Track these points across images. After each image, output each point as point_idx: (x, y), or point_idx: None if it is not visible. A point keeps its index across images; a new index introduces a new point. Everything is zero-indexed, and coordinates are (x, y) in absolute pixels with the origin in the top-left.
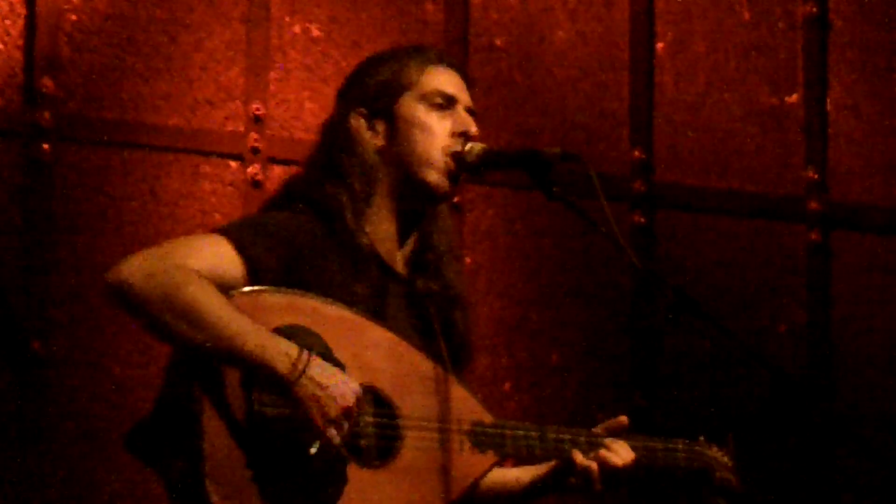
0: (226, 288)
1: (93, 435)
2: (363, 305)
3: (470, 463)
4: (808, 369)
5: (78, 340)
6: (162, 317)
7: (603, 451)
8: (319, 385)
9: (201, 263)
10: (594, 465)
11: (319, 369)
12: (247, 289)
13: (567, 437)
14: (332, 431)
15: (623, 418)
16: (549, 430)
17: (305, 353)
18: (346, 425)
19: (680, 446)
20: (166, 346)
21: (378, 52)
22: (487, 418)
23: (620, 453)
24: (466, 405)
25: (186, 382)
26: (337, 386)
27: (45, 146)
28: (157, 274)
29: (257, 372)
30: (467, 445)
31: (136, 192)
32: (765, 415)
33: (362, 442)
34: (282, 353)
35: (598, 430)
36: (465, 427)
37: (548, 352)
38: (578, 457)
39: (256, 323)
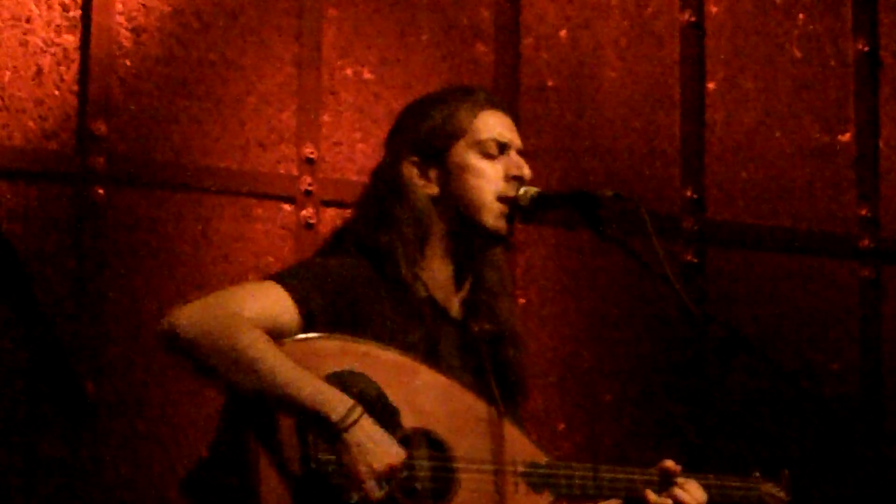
0: (280, 334)
1: (145, 476)
2: (418, 350)
3: None
4: (860, 406)
5: (131, 382)
6: (216, 365)
7: (677, 490)
8: (370, 437)
9: (255, 311)
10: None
11: (371, 425)
12: (300, 336)
13: (621, 476)
14: (373, 484)
15: (672, 463)
16: (603, 469)
17: (360, 407)
18: (384, 485)
19: (735, 483)
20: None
21: (426, 96)
22: (542, 459)
23: (693, 492)
24: (521, 446)
25: (241, 429)
26: (386, 444)
27: (99, 189)
28: (210, 323)
29: (310, 418)
30: (522, 487)
31: (189, 235)
32: (817, 451)
33: (417, 484)
34: (336, 401)
35: (652, 470)
36: (520, 468)
37: (601, 390)
38: (651, 496)
39: (310, 371)
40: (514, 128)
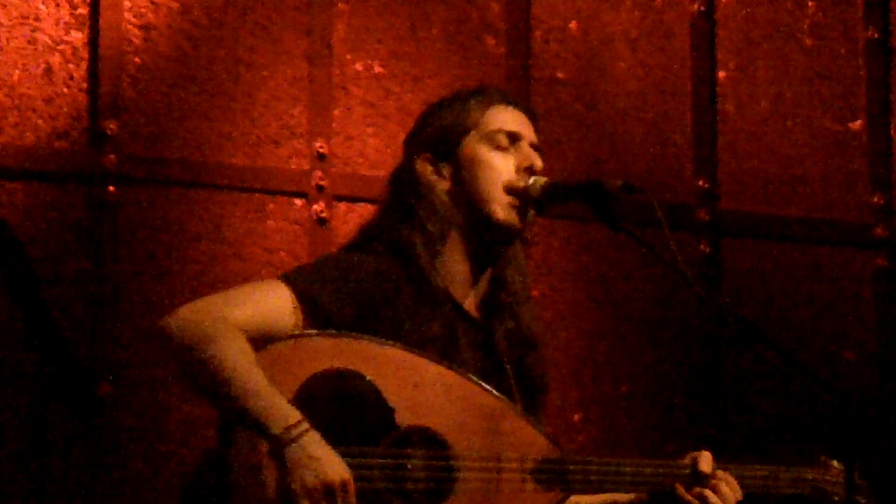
0: (276, 335)
1: (162, 474)
2: (436, 345)
3: (532, 501)
4: (876, 395)
5: (146, 381)
6: (186, 367)
7: (712, 484)
8: (309, 455)
9: (248, 314)
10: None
11: (315, 443)
12: (292, 334)
13: (647, 469)
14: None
15: (707, 456)
16: (625, 462)
17: (306, 423)
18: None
19: (782, 474)
20: None
21: (442, 97)
22: (555, 454)
23: (725, 491)
24: (531, 442)
25: (225, 435)
26: (329, 463)
27: (111, 188)
28: (193, 325)
29: (256, 432)
30: (531, 484)
31: (202, 232)
32: (833, 441)
33: (408, 485)
34: (280, 416)
35: (685, 461)
36: (529, 465)
37: (616, 383)
38: (682, 492)
39: (277, 381)
40: (529, 123)
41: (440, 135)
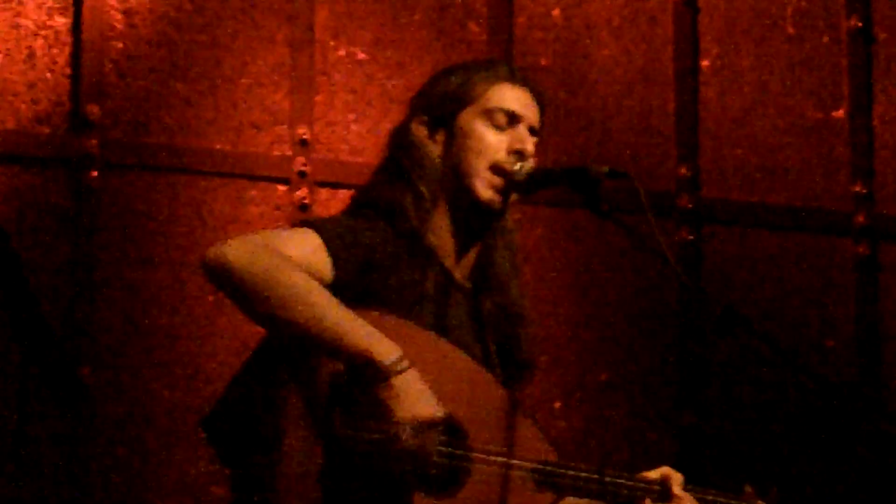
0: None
1: (143, 460)
2: (429, 303)
3: (531, 501)
4: (856, 383)
5: (126, 366)
6: (264, 298)
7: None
8: (415, 387)
9: (294, 252)
10: None
11: (420, 378)
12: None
13: (626, 482)
14: (408, 430)
15: (674, 477)
16: (608, 473)
17: (408, 360)
18: (419, 435)
19: (732, 500)
20: (217, 367)
21: (453, 64)
22: (553, 457)
23: None
24: (535, 443)
25: (274, 376)
26: (433, 399)
27: (93, 173)
28: (262, 256)
29: (359, 360)
30: (530, 484)
31: (184, 217)
32: (814, 428)
33: (430, 469)
34: (388, 346)
35: (653, 474)
36: (530, 465)
37: (597, 370)
38: None
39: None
40: (533, 106)
41: (440, 101)
